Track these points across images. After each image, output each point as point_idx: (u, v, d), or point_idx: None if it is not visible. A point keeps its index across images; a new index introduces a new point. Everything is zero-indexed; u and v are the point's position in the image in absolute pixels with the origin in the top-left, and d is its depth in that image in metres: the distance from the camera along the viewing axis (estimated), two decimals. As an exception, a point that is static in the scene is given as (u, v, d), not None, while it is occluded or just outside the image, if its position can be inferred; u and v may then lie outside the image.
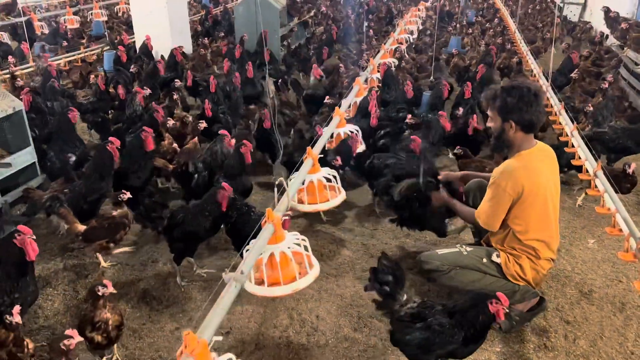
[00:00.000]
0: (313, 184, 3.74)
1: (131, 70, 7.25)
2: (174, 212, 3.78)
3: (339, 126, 5.09)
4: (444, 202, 3.63)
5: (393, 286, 2.90)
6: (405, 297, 2.88)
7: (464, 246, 3.31)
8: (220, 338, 2.23)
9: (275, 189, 3.30)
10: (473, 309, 2.64)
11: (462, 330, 2.62)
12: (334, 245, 4.29)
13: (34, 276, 3.09)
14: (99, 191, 4.10)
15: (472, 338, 2.63)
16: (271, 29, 9.83)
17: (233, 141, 4.62)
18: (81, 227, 3.72)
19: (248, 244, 2.89)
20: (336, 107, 5.29)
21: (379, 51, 7.99)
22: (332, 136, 5.07)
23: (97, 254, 3.89)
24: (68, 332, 2.53)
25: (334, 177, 4.01)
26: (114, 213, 3.81)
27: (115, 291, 2.85)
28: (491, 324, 2.66)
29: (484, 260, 3.17)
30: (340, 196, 3.87)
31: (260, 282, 2.85)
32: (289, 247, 2.89)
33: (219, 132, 4.77)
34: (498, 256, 3.15)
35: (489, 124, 3.20)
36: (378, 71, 7.42)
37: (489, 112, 3.18)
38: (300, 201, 3.78)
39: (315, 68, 7.25)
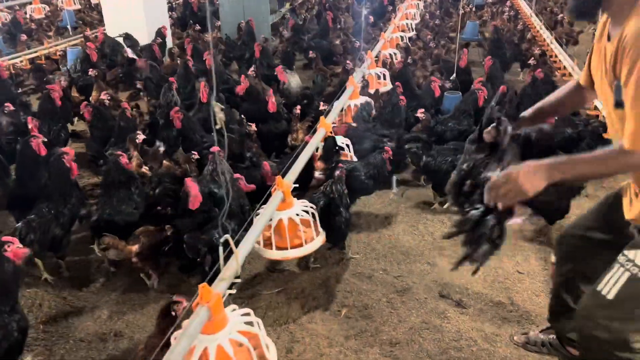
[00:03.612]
0: (283, 224, 2.98)
1: (89, 74, 5.91)
2: None
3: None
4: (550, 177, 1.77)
5: None
6: None
7: None
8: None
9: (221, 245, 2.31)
10: None
11: None
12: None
13: None
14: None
15: None
16: (260, 18, 8.87)
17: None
18: (134, 248, 3.29)
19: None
20: (321, 117, 4.27)
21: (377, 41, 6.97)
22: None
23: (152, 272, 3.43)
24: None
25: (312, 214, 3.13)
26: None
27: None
28: None
29: None
30: (319, 238, 3.10)
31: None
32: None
33: None
34: None
35: None
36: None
37: None
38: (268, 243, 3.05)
39: (280, 72, 6.00)
